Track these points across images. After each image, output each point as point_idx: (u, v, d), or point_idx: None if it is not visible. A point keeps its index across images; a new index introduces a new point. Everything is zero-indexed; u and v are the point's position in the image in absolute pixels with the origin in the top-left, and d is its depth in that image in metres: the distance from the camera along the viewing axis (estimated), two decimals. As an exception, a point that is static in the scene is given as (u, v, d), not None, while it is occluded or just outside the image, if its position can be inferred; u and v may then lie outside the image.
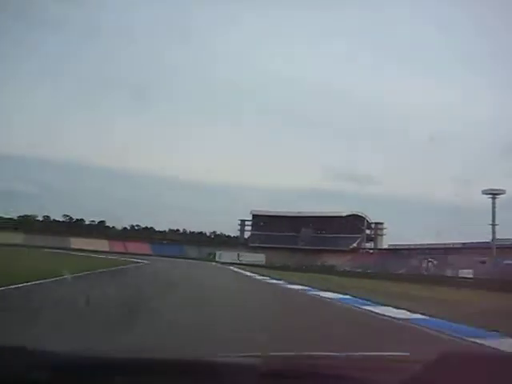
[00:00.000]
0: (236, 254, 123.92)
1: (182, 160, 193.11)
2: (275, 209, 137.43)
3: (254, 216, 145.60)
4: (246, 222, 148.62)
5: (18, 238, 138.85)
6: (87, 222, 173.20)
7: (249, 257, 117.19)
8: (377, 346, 8.39)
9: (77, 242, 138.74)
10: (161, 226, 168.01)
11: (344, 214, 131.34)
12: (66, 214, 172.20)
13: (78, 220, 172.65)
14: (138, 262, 54.10)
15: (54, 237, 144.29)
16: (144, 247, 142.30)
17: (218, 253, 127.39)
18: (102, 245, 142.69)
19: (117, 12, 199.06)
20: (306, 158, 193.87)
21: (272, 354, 2.46)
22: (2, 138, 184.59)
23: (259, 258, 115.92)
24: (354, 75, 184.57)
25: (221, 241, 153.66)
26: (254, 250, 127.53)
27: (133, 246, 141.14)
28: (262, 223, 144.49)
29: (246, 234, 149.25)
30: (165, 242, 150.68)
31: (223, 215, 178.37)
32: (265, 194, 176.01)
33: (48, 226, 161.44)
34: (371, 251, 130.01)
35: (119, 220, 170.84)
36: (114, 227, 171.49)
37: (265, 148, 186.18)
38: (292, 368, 1.80)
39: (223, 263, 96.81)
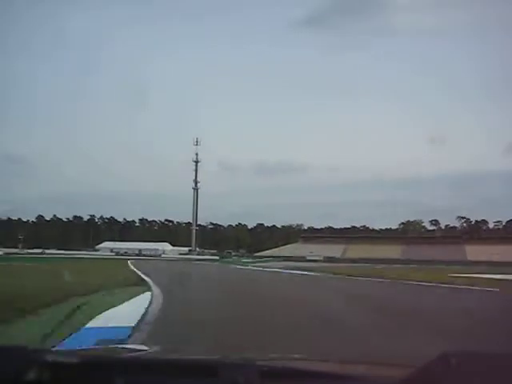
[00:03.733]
0: None
1: None
2: None
3: None
4: None
5: (394, 250, 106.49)
6: (490, 226, 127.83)
7: None
8: None
9: (475, 252, 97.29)
10: None
11: None
12: (461, 215, 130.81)
13: (477, 222, 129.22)
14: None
15: (445, 246, 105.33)
16: None
17: None
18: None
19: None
20: None
21: (272, 354, 2.39)
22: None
23: None
24: None
25: None
26: None
27: None
28: None
29: None
30: None
31: None
32: None
33: (435, 234, 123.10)
34: None
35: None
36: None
37: None
38: (292, 368, 1.79)
39: None
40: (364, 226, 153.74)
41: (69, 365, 1.62)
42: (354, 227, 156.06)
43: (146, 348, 2.24)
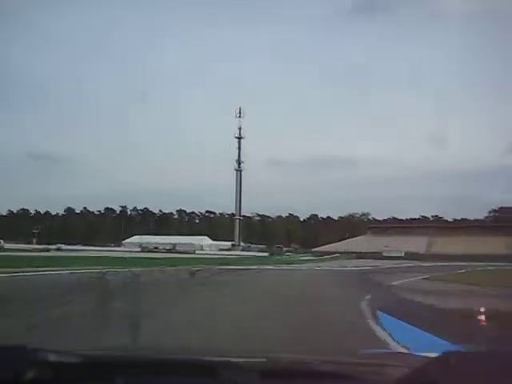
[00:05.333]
0: None
1: None
2: None
3: None
4: None
5: (496, 244, 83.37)
6: None
7: None
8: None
9: None
10: None
11: None
12: None
13: None
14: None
15: None
16: None
17: None
18: None
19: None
20: None
21: (272, 354, 2.40)
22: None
23: None
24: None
25: None
26: None
27: None
28: None
29: None
30: None
31: None
32: None
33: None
34: None
35: None
36: None
37: None
38: (291, 368, 1.82)
39: None
40: (436, 215, 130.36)
41: (69, 364, 1.61)
42: (424, 217, 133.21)
43: (146, 348, 2.23)
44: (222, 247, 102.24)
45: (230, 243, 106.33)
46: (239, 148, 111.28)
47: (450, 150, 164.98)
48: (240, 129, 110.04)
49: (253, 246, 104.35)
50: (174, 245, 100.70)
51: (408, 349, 6.27)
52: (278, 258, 68.45)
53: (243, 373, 1.60)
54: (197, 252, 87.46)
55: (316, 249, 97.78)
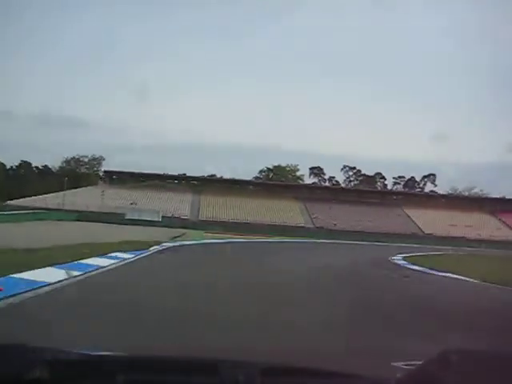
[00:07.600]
0: None
1: None
2: None
3: None
4: None
5: (292, 211, 61.39)
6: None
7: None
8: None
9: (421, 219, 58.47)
10: None
11: None
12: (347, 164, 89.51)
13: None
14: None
15: (377, 208, 63.34)
16: None
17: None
18: None
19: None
20: None
21: (272, 352, 2.51)
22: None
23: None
24: None
25: None
26: None
27: None
28: None
29: None
30: None
31: None
32: None
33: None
34: None
35: None
36: None
37: None
38: (292, 366, 1.82)
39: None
40: (184, 173, 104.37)
41: (68, 363, 1.61)
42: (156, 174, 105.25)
43: (146, 346, 2.21)
44: None
45: None
46: None
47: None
48: None
49: None
50: None
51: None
52: None
53: (244, 371, 1.58)
54: None
55: (20, 200, 64.42)
